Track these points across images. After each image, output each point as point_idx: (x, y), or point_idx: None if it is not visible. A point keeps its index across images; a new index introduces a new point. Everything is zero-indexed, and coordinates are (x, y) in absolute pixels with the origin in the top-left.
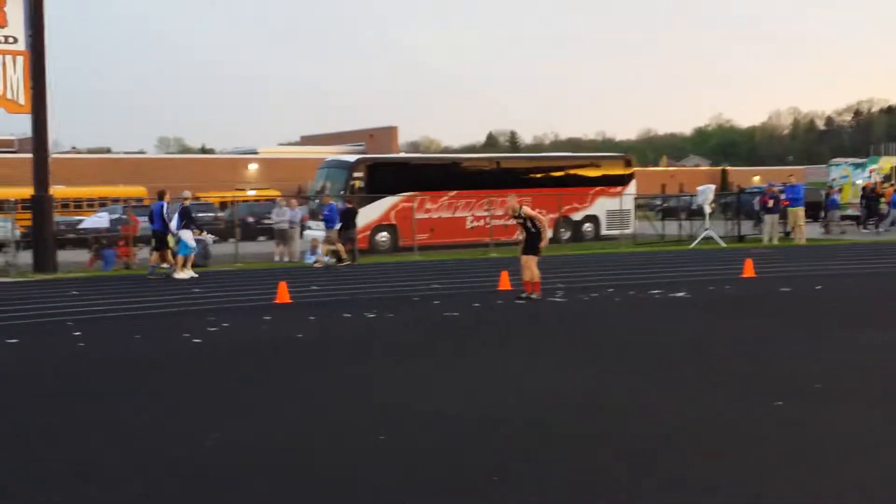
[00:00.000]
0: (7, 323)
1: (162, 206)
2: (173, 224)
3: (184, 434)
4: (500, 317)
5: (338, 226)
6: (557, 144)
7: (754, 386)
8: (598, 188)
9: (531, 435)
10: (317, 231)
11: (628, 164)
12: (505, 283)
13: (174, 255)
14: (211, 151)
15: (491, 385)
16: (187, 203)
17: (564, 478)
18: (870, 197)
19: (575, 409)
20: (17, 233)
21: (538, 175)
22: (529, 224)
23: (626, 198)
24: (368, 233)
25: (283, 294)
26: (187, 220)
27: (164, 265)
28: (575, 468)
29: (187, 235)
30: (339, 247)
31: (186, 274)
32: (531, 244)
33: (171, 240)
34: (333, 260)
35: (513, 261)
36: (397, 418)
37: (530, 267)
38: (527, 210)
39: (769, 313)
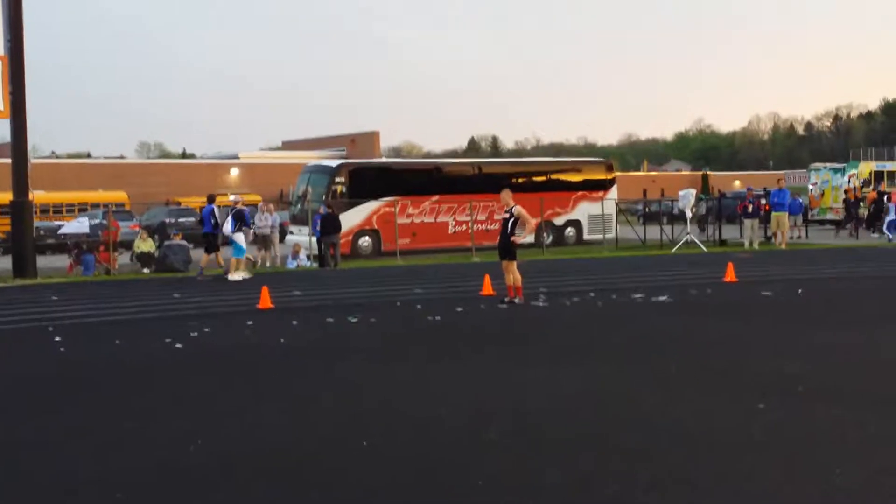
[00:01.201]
0: None
1: (212, 210)
2: (227, 227)
3: (166, 440)
4: (484, 321)
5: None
6: (539, 149)
7: (737, 388)
8: (579, 193)
9: (518, 438)
10: (298, 236)
11: (610, 168)
12: (488, 287)
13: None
14: (192, 156)
15: (476, 388)
16: (240, 206)
17: (554, 481)
18: (850, 201)
19: (561, 411)
20: None
21: (520, 180)
22: (511, 222)
23: (608, 202)
24: (351, 238)
25: (265, 299)
26: (240, 222)
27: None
28: (564, 470)
29: (240, 238)
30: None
31: (240, 275)
32: (503, 243)
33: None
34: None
35: (496, 265)
36: (382, 422)
37: (511, 271)
38: (520, 209)
39: (751, 316)
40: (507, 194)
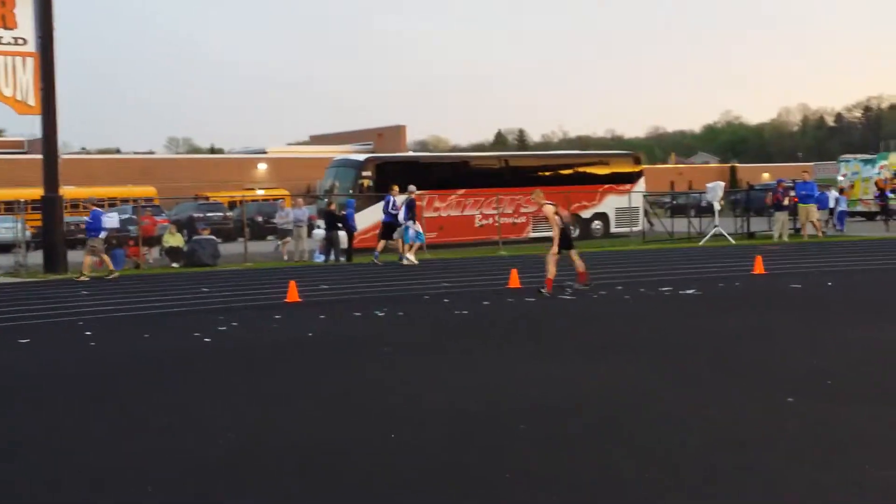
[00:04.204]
0: (19, 323)
1: (389, 200)
2: (401, 215)
3: (195, 433)
4: (511, 314)
5: (102, 234)
6: (566, 142)
7: (765, 382)
8: (606, 186)
9: (545, 431)
10: (324, 230)
11: (637, 161)
12: (515, 280)
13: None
14: (220, 151)
15: (503, 382)
16: (413, 196)
17: (582, 475)
18: (881, 193)
19: (588, 406)
20: (28, 233)
21: (547, 173)
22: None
23: (635, 195)
24: (378, 231)
25: (293, 293)
26: (412, 211)
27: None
28: (591, 465)
29: (412, 226)
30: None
31: (414, 259)
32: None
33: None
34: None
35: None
36: (410, 416)
37: (551, 263)
38: (548, 209)
39: (780, 310)
40: (537, 194)
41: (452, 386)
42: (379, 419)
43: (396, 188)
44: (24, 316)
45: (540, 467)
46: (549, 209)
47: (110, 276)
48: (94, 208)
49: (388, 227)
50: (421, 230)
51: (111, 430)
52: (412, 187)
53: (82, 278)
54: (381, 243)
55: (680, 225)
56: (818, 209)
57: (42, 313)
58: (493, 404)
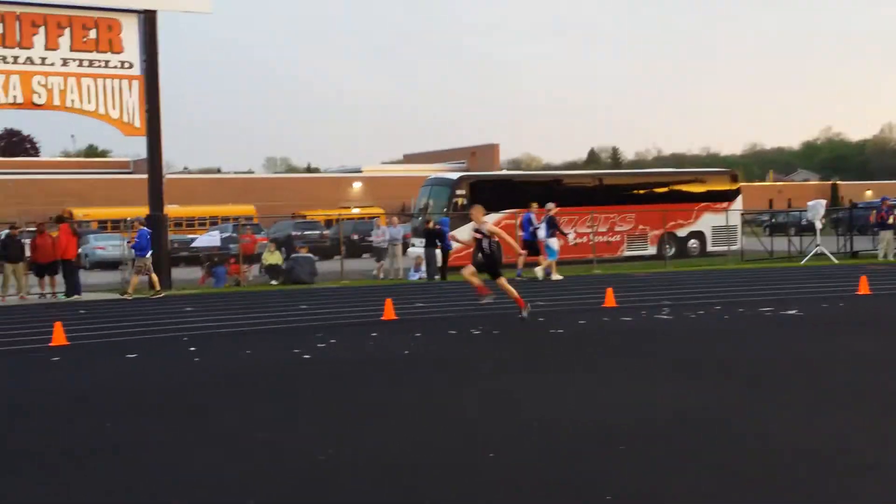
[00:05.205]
0: (126, 338)
1: (529, 217)
2: (541, 232)
3: (296, 447)
4: (607, 333)
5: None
6: (660, 160)
7: (870, 408)
8: (703, 204)
9: (643, 451)
10: (420, 248)
11: (734, 179)
12: (610, 299)
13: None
14: (316, 170)
15: (600, 400)
16: (552, 213)
17: (681, 498)
18: None
19: (686, 426)
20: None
21: (641, 191)
22: (486, 242)
23: (733, 213)
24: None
25: (388, 311)
26: (553, 228)
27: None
28: (689, 487)
29: (554, 242)
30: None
31: (557, 276)
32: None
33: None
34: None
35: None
36: (506, 432)
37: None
38: (489, 226)
39: (888, 331)
40: (476, 210)
41: (548, 402)
42: (475, 434)
43: (535, 205)
44: (131, 331)
45: (639, 487)
46: (490, 225)
47: (156, 296)
48: (142, 228)
49: (528, 244)
50: (557, 248)
51: (212, 444)
52: (551, 204)
53: (126, 296)
54: (521, 259)
55: (780, 244)
56: None
57: (147, 329)
58: (589, 421)
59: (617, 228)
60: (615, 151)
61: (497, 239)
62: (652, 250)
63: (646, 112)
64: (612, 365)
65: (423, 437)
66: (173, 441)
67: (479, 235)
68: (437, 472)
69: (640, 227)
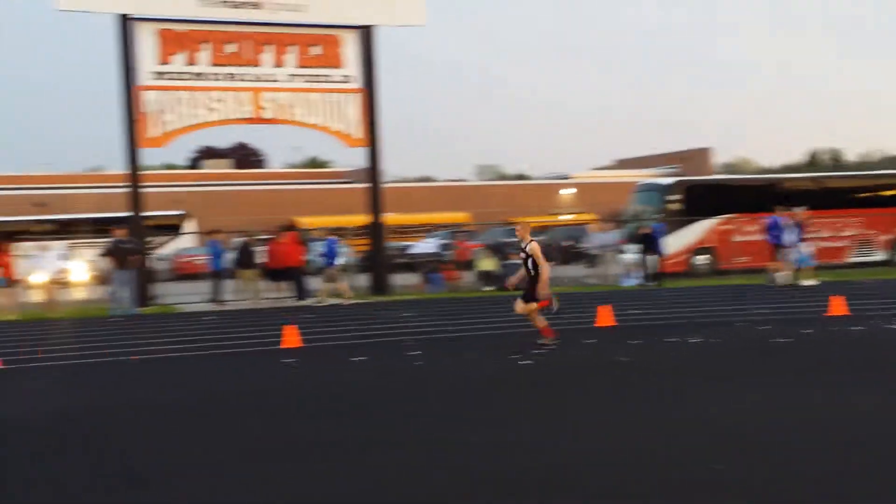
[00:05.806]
0: (353, 342)
1: (776, 221)
2: (792, 236)
3: (517, 455)
4: (835, 344)
5: (340, 261)
6: (888, 161)
7: None
8: None
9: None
10: (632, 255)
11: None
12: (838, 308)
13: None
14: (526, 178)
15: (821, 415)
16: (802, 217)
17: None
18: None
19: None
20: (354, 258)
21: (867, 194)
22: (530, 263)
23: None
24: (686, 256)
25: (605, 317)
26: (802, 233)
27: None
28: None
29: (805, 247)
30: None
31: (810, 281)
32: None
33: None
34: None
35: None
36: (731, 446)
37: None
38: (532, 245)
39: None
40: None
41: (775, 416)
42: (698, 446)
43: (782, 208)
44: (355, 335)
45: None
46: (535, 246)
47: (347, 302)
48: (330, 237)
49: (777, 249)
50: (804, 254)
51: (427, 448)
52: (800, 208)
53: (322, 303)
54: (776, 265)
55: None
56: None
57: (372, 332)
58: (815, 438)
59: (842, 233)
60: (836, 153)
61: (535, 260)
62: (881, 256)
63: (868, 112)
64: (839, 378)
65: (638, 442)
66: (394, 443)
67: (522, 255)
68: (653, 480)
69: (868, 231)
